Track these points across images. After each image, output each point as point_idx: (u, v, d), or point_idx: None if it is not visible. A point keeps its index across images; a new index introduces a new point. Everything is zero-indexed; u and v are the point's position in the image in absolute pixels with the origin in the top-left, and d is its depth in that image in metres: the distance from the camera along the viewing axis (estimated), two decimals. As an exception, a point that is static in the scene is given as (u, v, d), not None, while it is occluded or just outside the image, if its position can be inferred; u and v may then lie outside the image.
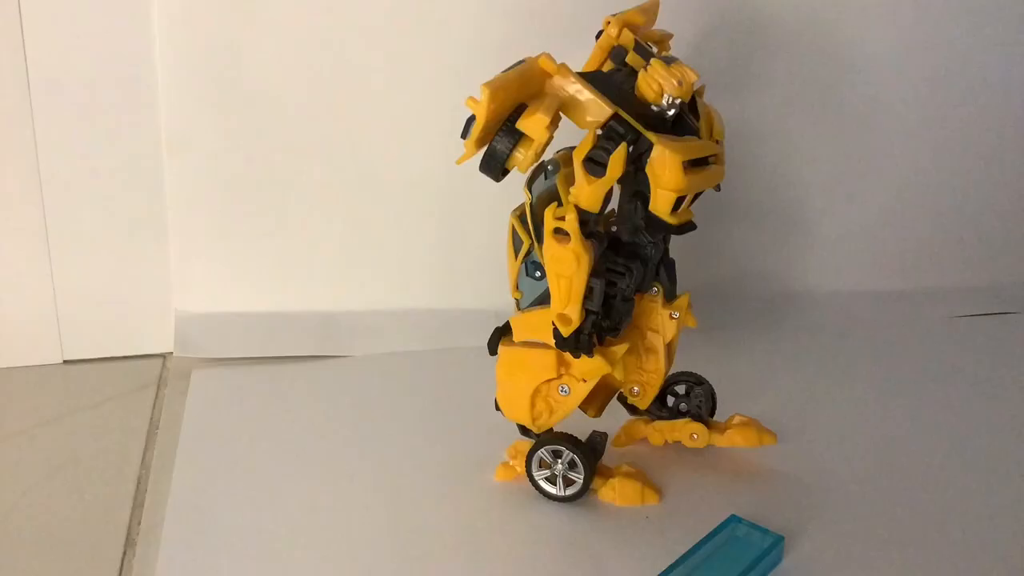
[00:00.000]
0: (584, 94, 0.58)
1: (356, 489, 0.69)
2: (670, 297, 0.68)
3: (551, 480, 0.67)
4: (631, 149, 0.57)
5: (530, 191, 0.62)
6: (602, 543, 0.64)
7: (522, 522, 0.66)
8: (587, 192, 0.58)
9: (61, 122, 0.81)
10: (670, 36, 0.68)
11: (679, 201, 0.58)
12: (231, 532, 0.64)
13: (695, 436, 0.71)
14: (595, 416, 0.69)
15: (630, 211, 0.61)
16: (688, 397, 0.73)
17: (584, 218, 0.58)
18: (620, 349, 0.65)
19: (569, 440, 0.66)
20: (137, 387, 0.84)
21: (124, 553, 0.63)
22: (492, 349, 0.66)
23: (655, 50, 0.64)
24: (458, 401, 0.80)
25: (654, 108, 0.58)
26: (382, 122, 0.87)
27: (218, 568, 0.61)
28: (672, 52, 0.67)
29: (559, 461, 0.66)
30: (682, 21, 0.75)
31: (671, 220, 0.59)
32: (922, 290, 1.02)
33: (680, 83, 0.57)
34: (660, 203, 0.58)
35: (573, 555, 0.63)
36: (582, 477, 0.66)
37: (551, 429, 0.66)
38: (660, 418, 0.72)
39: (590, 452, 0.66)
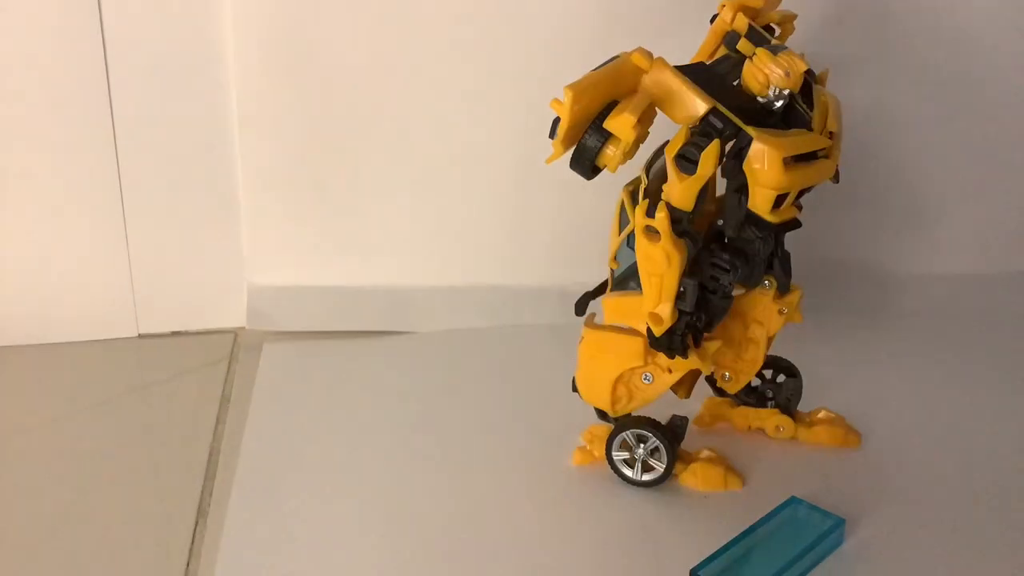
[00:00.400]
0: (679, 88, 0.57)
1: (424, 469, 0.70)
2: (783, 291, 0.66)
3: (630, 464, 0.66)
4: (733, 143, 0.56)
5: (647, 174, 0.62)
6: (677, 527, 0.63)
7: (600, 506, 0.65)
8: (678, 190, 0.56)
9: (136, 100, 0.83)
10: (793, 16, 0.66)
11: (780, 199, 0.57)
12: (297, 507, 0.66)
13: (781, 428, 0.70)
14: (684, 397, 0.68)
15: (732, 206, 0.59)
16: (778, 386, 0.71)
17: (676, 216, 0.57)
18: (712, 346, 0.64)
19: (653, 425, 0.65)
20: (210, 361, 0.86)
21: (196, 523, 0.65)
22: (579, 310, 0.65)
23: (776, 32, 0.63)
24: (525, 380, 0.80)
25: (760, 100, 0.57)
26: (452, 99, 0.87)
27: (282, 543, 0.62)
28: (797, 33, 0.66)
29: (642, 446, 0.66)
30: (812, 4, 0.72)
31: (771, 218, 0.58)
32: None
33: (788, 74, 0.56)
34: (759, 201, 0.57)
35: (647, 540, 0.63)
36: (664, 463, 0.65)
37: (629, 414, 0.66)
38: (746, 404, 0.71)
39: (673, 438, 0.65)
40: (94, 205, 0.85)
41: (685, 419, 0.67)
